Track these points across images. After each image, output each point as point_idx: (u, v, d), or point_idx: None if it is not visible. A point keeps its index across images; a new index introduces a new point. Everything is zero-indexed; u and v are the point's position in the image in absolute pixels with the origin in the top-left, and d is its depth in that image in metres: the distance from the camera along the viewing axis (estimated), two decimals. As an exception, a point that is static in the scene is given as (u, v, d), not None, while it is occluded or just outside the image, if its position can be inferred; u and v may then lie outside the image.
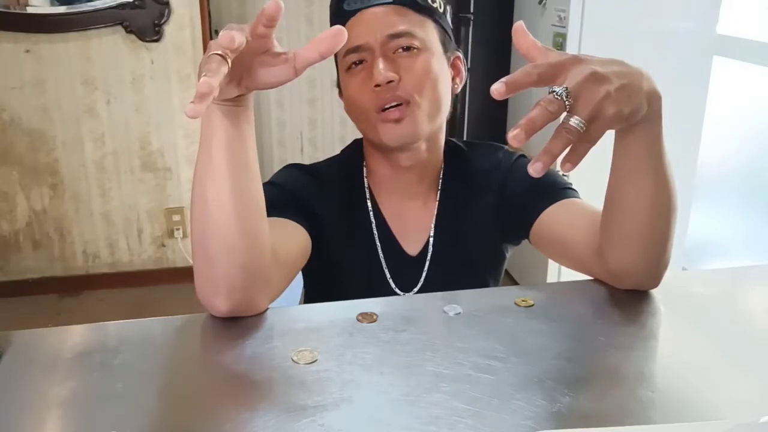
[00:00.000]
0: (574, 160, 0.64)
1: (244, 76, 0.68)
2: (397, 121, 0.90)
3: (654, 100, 0.70)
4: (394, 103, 0.90)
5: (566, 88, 0.61)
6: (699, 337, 0.78)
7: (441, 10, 0.97)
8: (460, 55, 1.01)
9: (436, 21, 0.95)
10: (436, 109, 0.94)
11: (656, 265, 0.82)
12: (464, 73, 1.00)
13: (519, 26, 0.69)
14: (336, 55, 0.96)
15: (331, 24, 0.96)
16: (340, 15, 0.94)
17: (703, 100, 2.45)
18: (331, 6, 0.98)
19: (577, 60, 0.65)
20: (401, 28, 0.91)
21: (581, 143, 0.63)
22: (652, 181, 0.76)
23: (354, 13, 0.92)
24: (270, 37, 0.66)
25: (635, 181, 0.77)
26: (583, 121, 0.61)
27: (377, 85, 0.89)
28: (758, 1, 2.45)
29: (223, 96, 0.67)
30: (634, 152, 0.75)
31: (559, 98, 0.61)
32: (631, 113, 0.66)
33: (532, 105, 0.61)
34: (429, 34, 0.93)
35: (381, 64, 0.88)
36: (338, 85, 1.01)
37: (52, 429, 0.62)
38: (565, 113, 0.62)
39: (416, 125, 0.91)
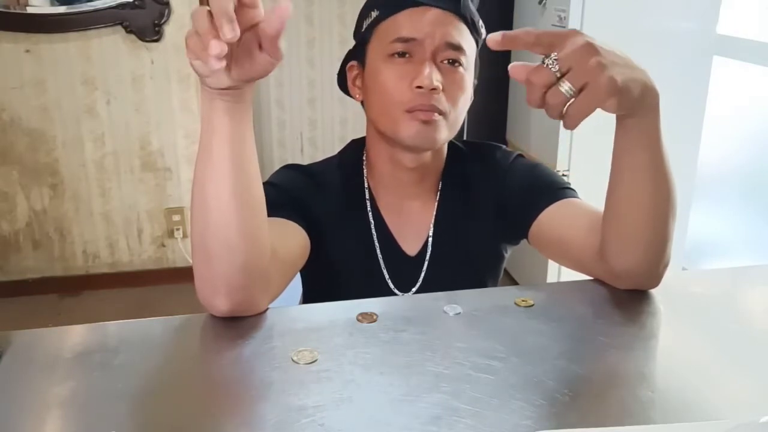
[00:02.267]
0: (570, 125, 0.64)
1: (233, 66, 0.67)
2: (425, 122, 0.90)
3: (650, 94, 0.70)
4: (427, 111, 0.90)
5: (556, 55, 0.62)
6: (699, 337, 0.78)
7: (481, 40, 0.98)
8: (476, 81, 1.01)
9: (477, 46, 0.97)
10: (457, 127, 0.95)
11: (657, 264, 0.82)
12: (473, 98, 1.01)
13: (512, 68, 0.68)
14: (371, 33, 0.95)
15: (383, 5, 0.94)
16: (399, 1, 0.92)
17: (703, 100, 2.45)
18: None
19: (575, 32, 0.65)
20: (459, 41, 0.91)
21: (579, 106, 0.63)
22: (651, 178, 0.76)
23: (416, 5, 0.91)
24: (257, 8, 0.64)
25: (636, 178, 0.77)
26: (573, 89, 0.62)
27: (420, 87, 0.88)
28: (758, 1, 2.45)
29: (217, 82, 0.67)
30: (633, 147, 0.75)
31: (547, 66, 0.62)
32: (624, 87, 0.65)
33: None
34: (471, 57, 0.95)
35: (435, 72, 0.88)
36: (348, 60, 0.99)
37: (52, 429, 0.62)
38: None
39: (438, 134, 0.92)
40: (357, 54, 0.98)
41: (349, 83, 1.00)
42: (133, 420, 0.60)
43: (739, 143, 2.59)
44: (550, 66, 0.63)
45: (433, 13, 0.91)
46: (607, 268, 0.84)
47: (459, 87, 0.92)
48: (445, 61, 0.91)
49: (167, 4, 2.68)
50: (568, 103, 0.63)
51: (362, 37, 0.97)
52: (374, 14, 0.95)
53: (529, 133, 2.68)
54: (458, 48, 0.91)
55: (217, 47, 0.59)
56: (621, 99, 0.65)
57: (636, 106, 0.70)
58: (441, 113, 0.90)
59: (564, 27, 2.35)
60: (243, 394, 0.64)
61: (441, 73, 0.90)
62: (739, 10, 2.45)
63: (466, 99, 0.95)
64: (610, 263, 0.83)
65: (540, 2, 2.53)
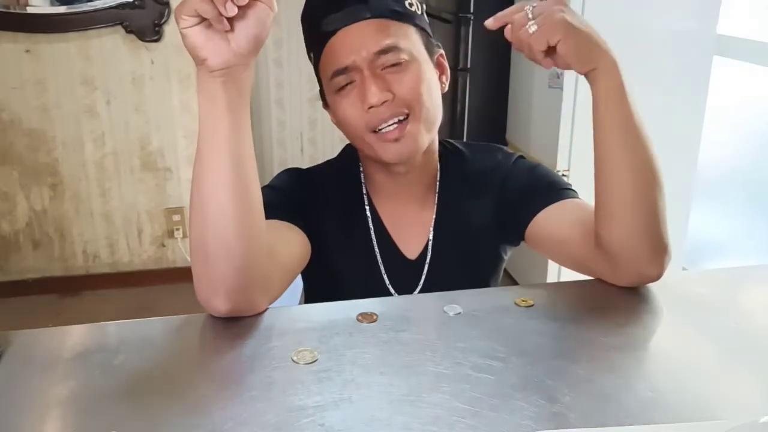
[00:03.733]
0: (529, 54, 0.78)
1: (229, 34, 0.67)
2: (397, 140, 0.89)
3: (601, 54, 0.79)
4: (391, 122, 0.88)
5: (534, 4, 0.77)
6: (699, 337, 0.78)
7: (419, 12, 0.94)
8: (442, 51, 0.99)
9: (416, 25, 0.93)
10: (433, 118, 0.93)
11: (651, 244, 0.82)
12: (448, 69, 0.99)
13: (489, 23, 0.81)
14: (319, 73, 0.94)
15: (309, 45, 0.94)
16: (317, 36, 0.91)
17: (703, 100, 2.44)
18: (305, 26, 0.95)
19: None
20: (387, 42, 0.88)
21: (536, 37, 0.76)
22: (623, 138, 0.80)
23: (333, 33, 0.89)
24: None
25: (608, 137, 0.80)
26: (535, 23, 0.76)
27: (371, 107, 0.87)
28: (758, 1, 2.45)
29: (218, 59, 0.68)
30: (600, 104, 0.80)
31: (524, 11, 0.77)
32: (574, 31, 0.76)
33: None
34: (413, 42, 0.91)
35: (373, 86, 0.87)
36: (322, 98, 0.98)
37: (52, 429, 0.62)
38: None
39: (415, 140, 0.91)
40: (321, 93, 0.98)
41: (331, 119, 0.98)
42: (133, 420, 0.60)
43: (739, 143, 2.59)
44: (527, 10, 0.77)
45: (353, 32, 0.88)
46: (603, 251, 0.83)
47: (412, 84, 0.89)
48: (388, 66, 0.89)
49: (167, 4, 2.68)
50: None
51: (317, 78, 0.97)
52: (312, 56, 0.95)
53: (529, 133, 2.68)
54: (389, 49, 0.88)
55: None
56: (569, 41, 0.76)
57: (587, 60, 0.78)
58: (407, 116, 0.89)
59: (564, 27, 2.35)
60: (243, 394, 0.64)
61: (387, 80, 0.88)
62: (739, 10, 2.45)
63: (430, 86, 0.92)
64: (604, 241, 0.82)
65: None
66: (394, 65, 0.89)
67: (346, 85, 0.90)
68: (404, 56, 0.89)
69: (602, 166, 0.82)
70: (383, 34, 0.88)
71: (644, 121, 0.80)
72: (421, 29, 0.94)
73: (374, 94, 0.86)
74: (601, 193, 0.83)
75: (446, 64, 0.99)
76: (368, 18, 0.88)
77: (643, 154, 0.80)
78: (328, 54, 0.90)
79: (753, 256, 2.50)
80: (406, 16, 0.91)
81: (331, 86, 0.91)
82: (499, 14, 0.79)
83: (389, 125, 0.89)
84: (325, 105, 0.99)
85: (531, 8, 0.77)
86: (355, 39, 0.88)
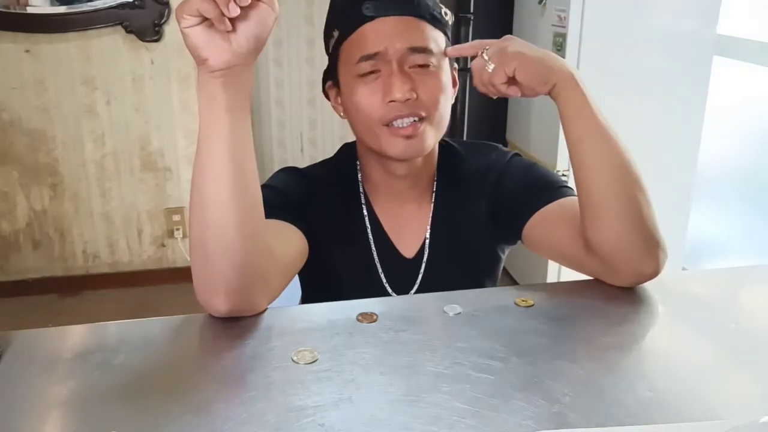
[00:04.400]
0: (492, 91, 0.88)
1: (230, 35, 0.68)
2: (409, 137, 0.90)
3: (558, 73, 0.84)
4: (406, 120, 0.89)
5: (488, 48, 0.87)
6: (699, 337, 0.78)
7: (450, 23, 0.97)
8: (456, 66, 1.01)
9: (446, 34, 0.95)
10: (444, 125, 0.94)
11: (642, 243, 0.82)
12: (458, 84, 1.00)
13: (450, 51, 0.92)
14: (338, 54, 0.94)
15: (337, 23, 0.94)
16: (352, 16, 0.91)
17: (703, 100, 2.44)
18: (341, 6, 0.95)
19: (506, 37, 0.88)
20: (422, 43, 0.90)
21: (494, 72, 0.85)
22: (597, 143, 0.83)
23: (371, 18, 0.90)
24: None
25: (580, 148, 0.84)
26: (491, 63, 0.85)
27: (392, 101, 0.88)
28: (758, 1, 2.45)
29: (219, 59, 0.68)
30: (567, 120, 0.85)
31: (481, 55, 0.86)
32: (530, 56, 0.83)
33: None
34: (442, 49, 0.93)
35: (400, 82, 0.88)
36: (325, 79, 0.99)
37: (52, 429, 0.62)
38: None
39: (424, 141, 0.91)
40: (330, 74, 0.98)
41: (332, 102, 0.99)
42: (133, 420, 0.60)
43: (739, 143, 2.59)
44: (482, 55, 0.86)
45: (390, 23, 0.89)
46: (595, 251, 0.84)
47: (434, 87, 0.91)
48: (415, 66, 0.90)
49: (167, 4, 2.68)
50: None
51: (331, 57, 0.97)
52: (336, 34, 0.94)
53: (529, 133, 2.68)
54: (423, 50, 0.90)
55: None
56: (525, 67, 0.83)
57: (545, 79, 0.84)
58: (422, 118, 0.90)
59: (564, 27, 2.35)
60: (243, 394, 0.64)
61: (412, 80, 0.89)
62: (739, 10, 2.45)
63: (447, 95, 0.94)
64: (594, 242, 0.83)
65: (540, 2, 2.53)
66: (421, 66, 0.90)
67: (370, 73, 0.90)
68: (433, 60, 0.91)
69: (579, 175, 0.84)
70: (420, 34, 0.90)
71: (613, 125, 0.84)
72: (448, 39, 0.96)
73: (400, 90, 0.87)
74: (583, 201, 0.84)
75: (457, 78, 1.00)
76: (410, 15, 0.90)
77: (616, 157, 0.82)
78: (360, 37, 0.90)
79: (752, 256, 2.50)
80: (441, 24, 0.94)
81: (354, 70, 0.91)
82: (457, 46, 0.92)
83: (404, 122, 0.89)
84: (328, 87, 0.98)
85: (486, 51, 0.86)
86: (393, 30, 0.89)
